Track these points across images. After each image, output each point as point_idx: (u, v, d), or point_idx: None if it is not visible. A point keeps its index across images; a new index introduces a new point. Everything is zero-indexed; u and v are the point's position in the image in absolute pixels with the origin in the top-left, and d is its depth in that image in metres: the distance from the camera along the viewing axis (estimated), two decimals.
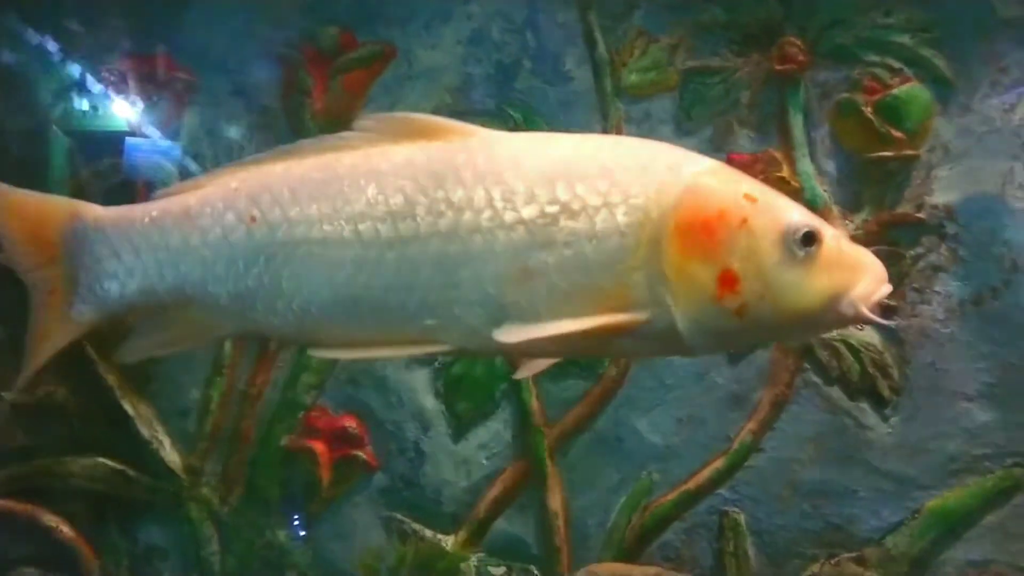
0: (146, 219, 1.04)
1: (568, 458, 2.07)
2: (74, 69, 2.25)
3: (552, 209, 0.93)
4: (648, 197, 0.92)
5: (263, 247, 1.00)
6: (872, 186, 1.93)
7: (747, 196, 0.92)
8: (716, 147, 1.99)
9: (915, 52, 1.89)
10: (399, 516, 2.11)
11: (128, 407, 2.20)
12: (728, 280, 0.90)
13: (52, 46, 2.25)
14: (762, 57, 1.97)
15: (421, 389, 2.13)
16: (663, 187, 0.92)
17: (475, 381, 2.10)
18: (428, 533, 2.09)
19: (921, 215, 1.90)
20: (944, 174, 1.90)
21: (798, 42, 1.93)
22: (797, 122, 1.96)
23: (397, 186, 0.97)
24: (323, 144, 1.04)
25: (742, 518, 1.97)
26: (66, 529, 2.15)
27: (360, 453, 2.14)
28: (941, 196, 1.89)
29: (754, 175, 1.94)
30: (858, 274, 0.91)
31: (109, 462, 2.20)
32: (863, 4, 1.91)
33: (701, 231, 0.90)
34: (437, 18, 2.13)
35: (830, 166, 1.96)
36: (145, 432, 2.21)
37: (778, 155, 1.96)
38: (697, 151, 2.01)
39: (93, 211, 1.07)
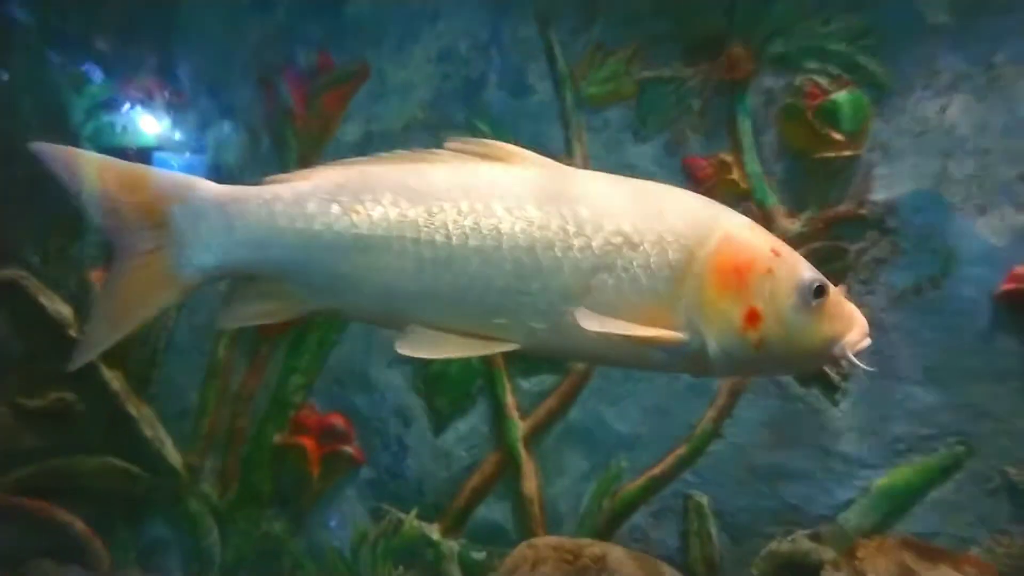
0: (259, 200, 1.14)
1: (541, 448, 2.14)
2: (103, 89, 2.34)
3: (616, 240, 1.08)
4: (694, 241, 1.07)
5: (362, 238, 1.12)
6: (817, 185, 1.99)
7: (773, 250, 1.08)
8: (671, 152, 2.06)
9: (852, 59, 1.95)
10: (385, 506, 2.19)
11: (131, 410, 2.28)
12: (752, 317, 1.05)
13: (82, 67, 2.35)
14: (711, 66, 2.03)
15: (402, 387, 2.21)
16: (707, 234, 1.08)
17: (452, 378, 2.18)
18: (414, 522, 2.16)
19: (863, 211, 1.96)
20: (883, 172, 1.95)
21: (743, 52, 2.00)
22: (745, 127, 2.02)
23: (486, 200, 1.10)
24: (417, 155, 1.17)
25: (705, 500, 2.04)
26: (78, 525, 2.24)
27: (347, 448, 2.22)
28: (881, 193, 1.95)
29: (707, 178, 2.06)
30: (850, 325, 1.08)
31: (115, 461, 2.29)
32: (803, 14, 1.98)
33: (734, 274, 1.06)
34: (407, 38, 2.22)
35: (777, 167, 2.02)
36: (147, 433, 2.28)
37: (728, 158, 2.03)
38: (654, 156, 2.12)
39: (206, 187, 1.16)
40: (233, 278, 1.18)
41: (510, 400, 2.15)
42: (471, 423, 2.18)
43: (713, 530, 2.03)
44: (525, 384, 2.16)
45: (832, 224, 1.98)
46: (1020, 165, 1.89)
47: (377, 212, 1.12)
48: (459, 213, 1.10)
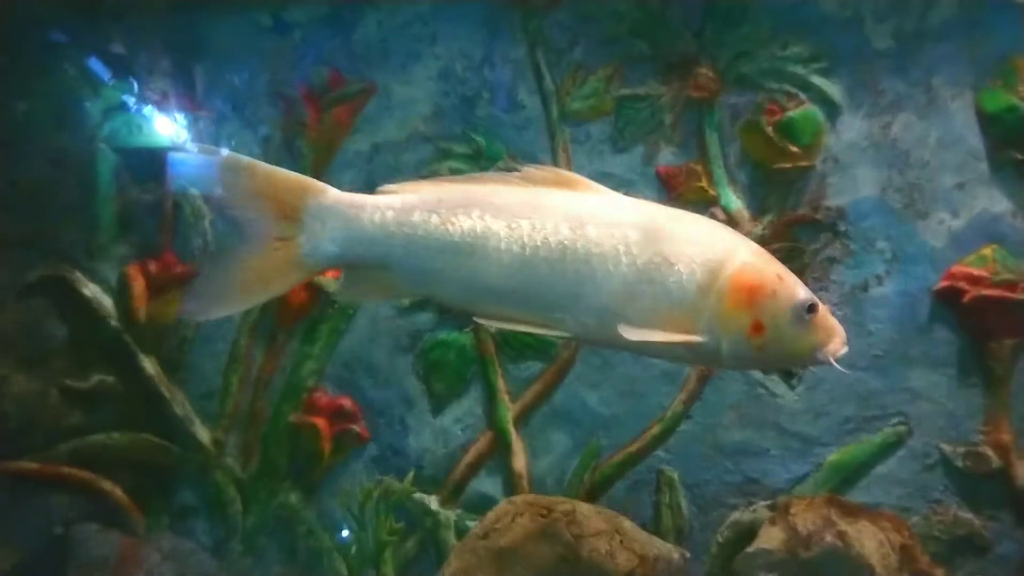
0: (375, 207, 1.36)
1: (529, 428, 2.29)
2: (119, 91, 2.44)
3: (656, 260, 1.31)
4: (717, 265, 1.31)
5: (455, 243, 1.33)
6: (776, 192, 2.15)
7: (778, 275, 1.32)
8: (646, 162, 2.23)
9: (807, 79, 2.12)
10: (388, 479, 2.32)
11: (164, 391, 2.41)
12: (758, 327, 1.29)
13: (99, 70, 2.44)
14: (682, 85, 2.19)
15: (405, 372, 2.35)
16: (727, 260, 1.31)
17: (450, 365, 2.32)
18: (414, 494, 2.30)
19: (818, 216, 2.12)
20: (835, 181, 2.12)
21: (711, 72, 2.17)
22: (712, 139, 2.18)
23: (554, 219, 1.33)
24: (501, 178, 1.40)
25: (675, 475, 2.19)
26: (118, 492, 2.38)
27: (355, 427, 2.35)
28: (833, 199, 2.12)
29: (678, 185, 2.23)
30: (832, 336, 1.34)
31: (150, 437, 2.42)
32: (764, 39, 2.15)
33: (747, 293, 1.29)
34: (410, 58, 2.36)
35: (741, 176, 2.18)
36: (178, 412, 2.41)
37: (698, 167, 2.19)
38: (631, 165, 2.29)
39: (332, 192, 1.37)
40: (349, 266, 1.40)
41: (501, 385, 2.30)
42: (466, 405, 2.33)
43: (683, 501, 2.19)
44: (515, 370, 2.30)
45: (790, 227, 2.14)
46: (955, 175, 2.07)
47: (467, 223, 1.34)
48: (532, 228, 1.32)
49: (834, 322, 1.34)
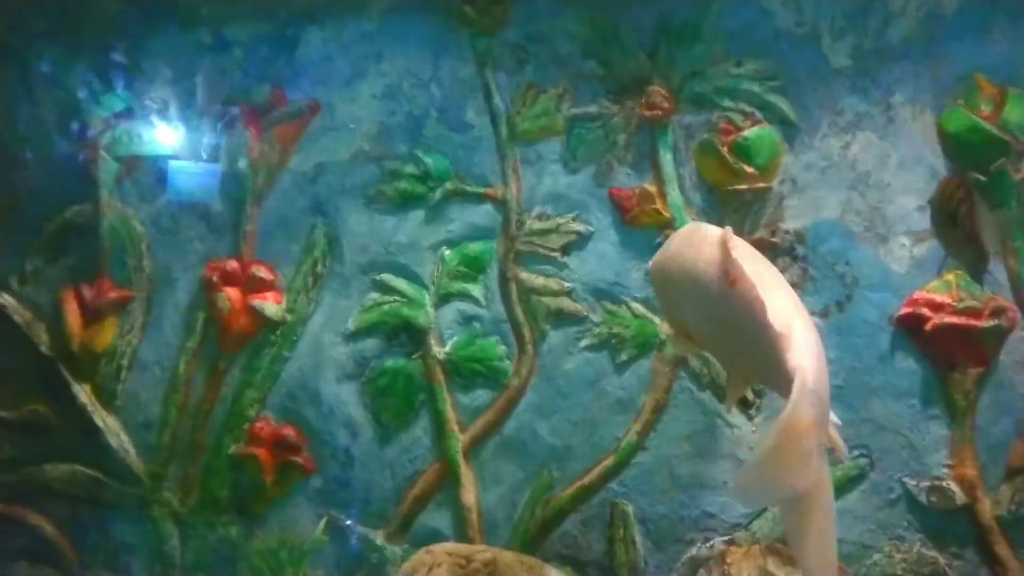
0: None
1: (479, 459, 2.22)
2: (120, 99, 2.42)
3: None
4: None
5: None
6: (732, 215, 2.09)
7: None
8: (598, 183, 2.17)
9: (763, 98, 2.06)
10: (333, 513, 2.28)
11: (99, 421, 2.35)
12: None
13: (100, 78, 2.42)
14: (634, 104, 2.14)
15: (350, 401, 2.29)
16: None
17: (397, 393, 2.26)
18: (359, 528, 2.26)
19: (775, 239, 2.06)
20: (793, 203, 2.06)
21: (664, 91, 2.11)
22: (666, 160, 2.13)
23: None
24: None
25: (630, 509, 2.12)
26: (49, 528, 2.33)
27: (298, 459, 2.29)
28: (792, 222, 2.06)
29: (632, 207, 2.16)
30: None
31: (84, 469, 2.36)
32: (718, 57, 2.09)
33: None
34: (355, 76, 2.31)
35: (696, 198, 2.12)
36: (114, 443, 2.35)
37: (652, 189, 2.13)
38: (583, 187, 2.22)
39: None
40: None
41: (450, 414, 2.23)
42: (414, 436, 2.27)
43: (637, 536, 2.12)
44: (464, 399, 2.25)
45: None
46: (917, 198, 2.01)
47: None
48: None
49: None
